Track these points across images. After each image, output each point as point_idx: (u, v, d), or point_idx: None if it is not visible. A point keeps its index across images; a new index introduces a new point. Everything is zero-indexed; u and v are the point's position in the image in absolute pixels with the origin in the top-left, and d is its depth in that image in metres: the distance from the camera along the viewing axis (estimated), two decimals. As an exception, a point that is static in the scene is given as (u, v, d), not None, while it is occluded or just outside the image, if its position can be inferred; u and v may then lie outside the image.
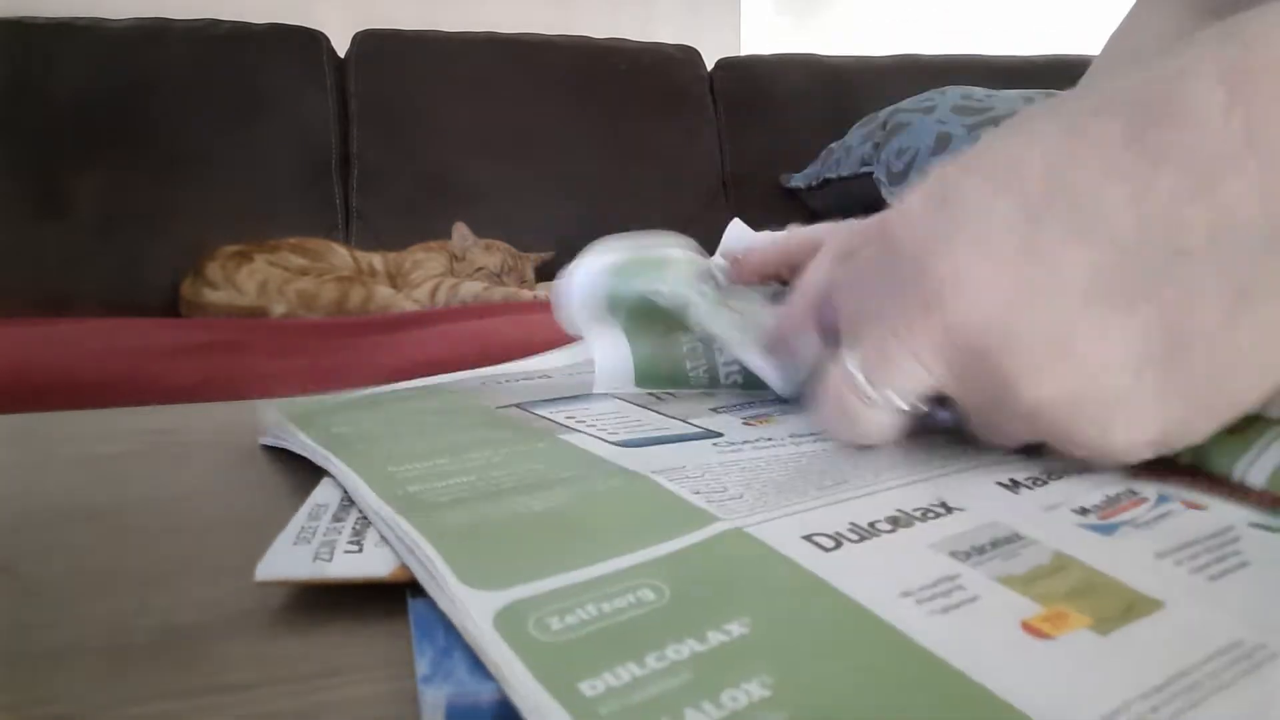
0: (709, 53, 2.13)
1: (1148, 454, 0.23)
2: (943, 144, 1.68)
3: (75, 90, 1.67)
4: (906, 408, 0.25)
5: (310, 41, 1.87)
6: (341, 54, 1.91)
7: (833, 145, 1.95)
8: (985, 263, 0.22)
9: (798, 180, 2.01)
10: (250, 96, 1.79)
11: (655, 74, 2.05)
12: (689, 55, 2.10)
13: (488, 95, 1.92)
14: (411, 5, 2.06)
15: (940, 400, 0.26)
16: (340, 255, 1.66)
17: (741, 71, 2.13)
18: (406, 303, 1.51)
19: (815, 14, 2.55)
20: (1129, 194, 0.21)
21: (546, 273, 1.76)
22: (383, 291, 1.52)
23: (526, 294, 1.57)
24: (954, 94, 1.79)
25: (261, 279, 1.51)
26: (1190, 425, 0.22)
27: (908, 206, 0.25)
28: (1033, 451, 0.26)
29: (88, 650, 0.19)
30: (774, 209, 1.95)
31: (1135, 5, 0.52)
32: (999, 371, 0.22)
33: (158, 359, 1.01)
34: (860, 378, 0.25)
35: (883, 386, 0.25)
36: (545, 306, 1.54)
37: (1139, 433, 0.22)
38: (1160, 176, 0.20)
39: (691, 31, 2.25)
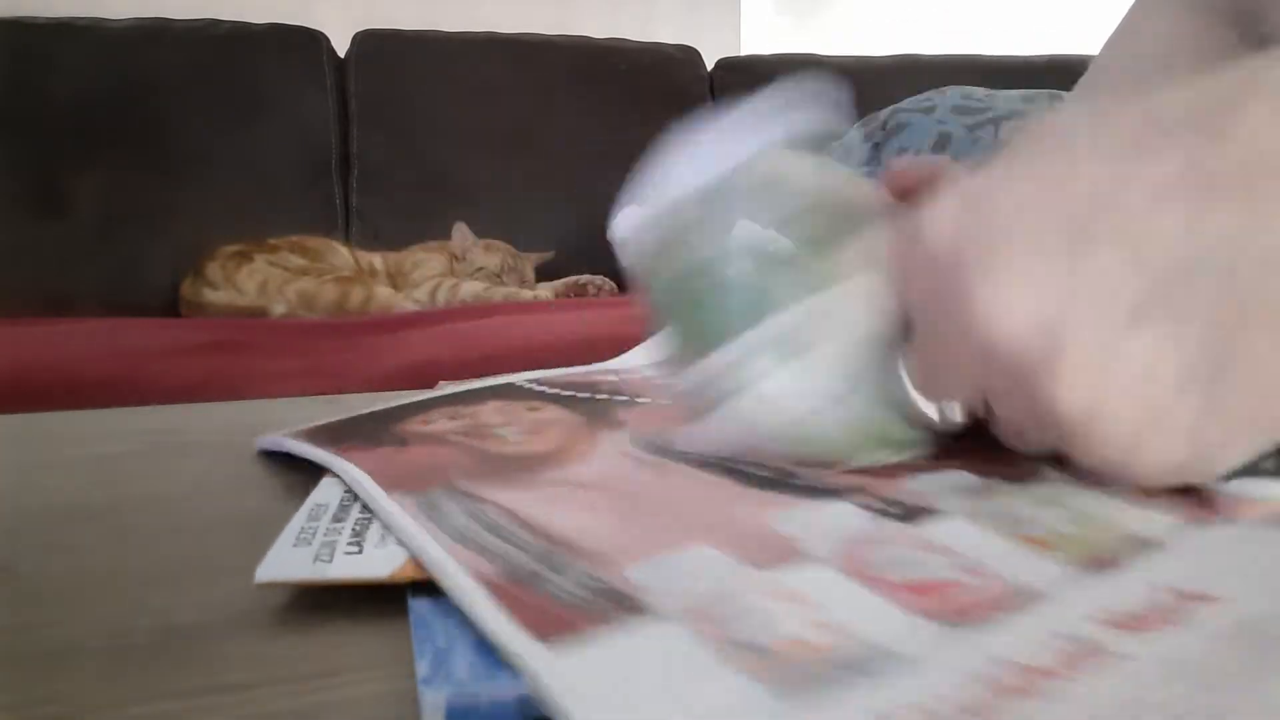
0: (709, 53, 2.12)
1: (1168, 480, 0.23)
2: (943, 144, 1.68)
3: (75, 90, 1.67)
4: (960, 420, 0.27)
5: (310, 41, 1.87)
6: (341, 54, 1.91)
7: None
8: (1028, 284, 0.22)
9: (798, 180, 2.01)
10: (250, 96, 1.79)
11: (655, 74, 2.04)
12: (689, 55, 2.10)
13: (488, 95, 1.92)
14: (411, 5, 2.06)
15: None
16: (341, 255, 1.66)
17: (741, 71, 2.13)
18: (407, 303, 1.51)
19: (815, 14, 2.55)
20: (1184, 222, 0.21)
21: (546, 273, 1.76)
22: (383, 291, 1.52)
23: (527, 294, 1.57)
24: (954, 94, 1.79)
25: (261, 279, 1.51)
26: (1217, 452, 0.22)
27: (941, 215, 0.24)
28: (1058, 461, 0.26)
29: (88, 650, 0.19)
30: (774, 209, 1.95)
31: (1134, 5, 0.52)
32: (1038, 387, 0.22)
33: (158, 359, 1.01)
34: (911, 390, 0.27)
35: (932, 400, 0.27)
36: (545, 307, 1.53)
37: (1168, 454, 0.22)
38: (1217, 207, 0.20)
39: (691, 31, 2.24)
